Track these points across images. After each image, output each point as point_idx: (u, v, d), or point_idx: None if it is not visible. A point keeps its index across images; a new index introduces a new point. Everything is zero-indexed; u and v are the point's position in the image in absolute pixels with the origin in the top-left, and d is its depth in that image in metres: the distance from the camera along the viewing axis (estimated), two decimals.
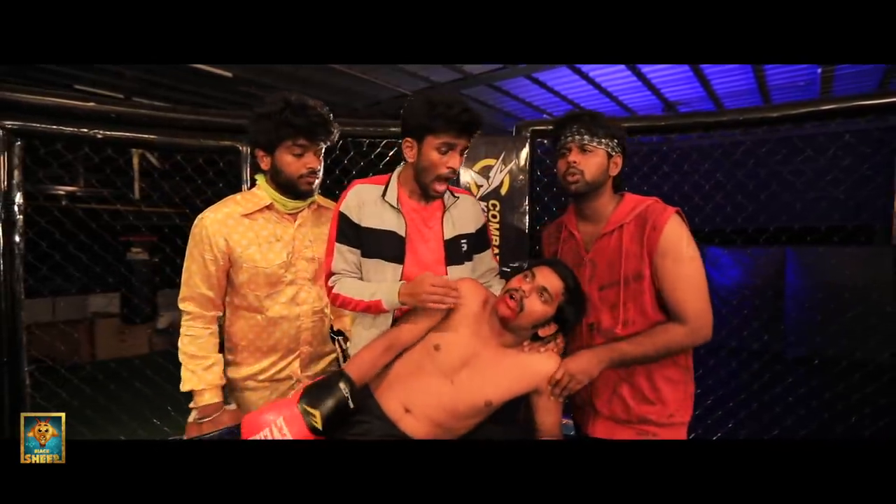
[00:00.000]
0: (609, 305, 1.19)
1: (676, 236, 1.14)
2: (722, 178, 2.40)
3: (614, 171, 1.24)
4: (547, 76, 4.31)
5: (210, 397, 1.21)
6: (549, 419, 1.15)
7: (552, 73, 4.20)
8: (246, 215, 1.25)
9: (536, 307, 1.09)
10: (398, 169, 1.31)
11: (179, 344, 1.23)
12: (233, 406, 1.26)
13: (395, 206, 1.23)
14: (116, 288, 5.41)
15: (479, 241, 1.37)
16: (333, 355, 1.42)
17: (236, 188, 1.92)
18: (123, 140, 1.81)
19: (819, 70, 4.01)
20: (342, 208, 1.24)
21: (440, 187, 1.22)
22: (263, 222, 1.27)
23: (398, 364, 1.18)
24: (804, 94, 4.47)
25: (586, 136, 1.20)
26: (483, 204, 2.08)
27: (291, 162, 1.22)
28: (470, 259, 1.35)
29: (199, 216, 1.24)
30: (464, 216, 1.33)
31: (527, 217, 2.07)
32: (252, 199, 1.28)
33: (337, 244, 1.24)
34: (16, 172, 1.65)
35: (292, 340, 1.29)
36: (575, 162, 1.20)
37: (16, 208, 1.64)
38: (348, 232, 1.24)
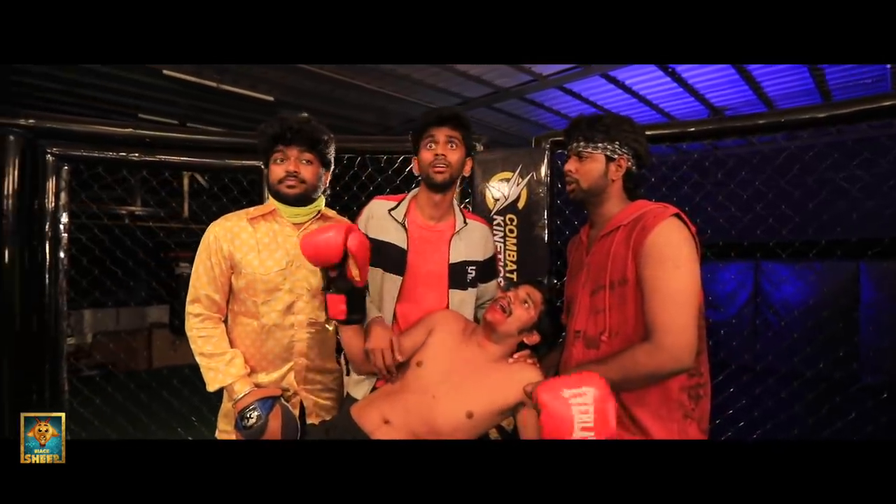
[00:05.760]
0: (595, 311, 1.10)
1: (664, 239, 1.00)
2: (762, 188, 2.18)
3: (616, 175, 1.14)
4: (579, 86, 4.22)
5: (241, 387, 1.21)
6: (538, 435, 1.12)
7: (584, 82, 4.10)
8: (251, 220, 1.30)
9: (522, 312, 1.20)
10: (415, 190, 1.41)
11: (193, 347, 1.24)
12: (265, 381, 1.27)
13: (400, 220, 1.33)
14: (169, 301, 5.80)
15: (486, 270, 1.43)
16: (338, 373, 1.41)
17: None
18: (156, 163, 1.94)
19: (889, 66, 3.64)
20: (357, 222, 1.37)
21: (438, 175, 1.29)
22: (266, 229, 1.30)
23: (382, 383, 1.22)
24: (872, 92, 4.06)
25: (581, 143, 1.16)
26: (500, 218, 2.04)
27: (275, 168, 1.28)
28: (475, 286, 1.39)
29: (210, 224, 1.30)
30: (474, 243, 1.39)
31: (546, 231, 1.99)
32: (260, 207, 1.34)
33: None
34: (62, 195, 1.80)
35: (285, 350, 1.29)
36: (571, 171, 1.18)
37: (61, 227, 1.79)
38: None
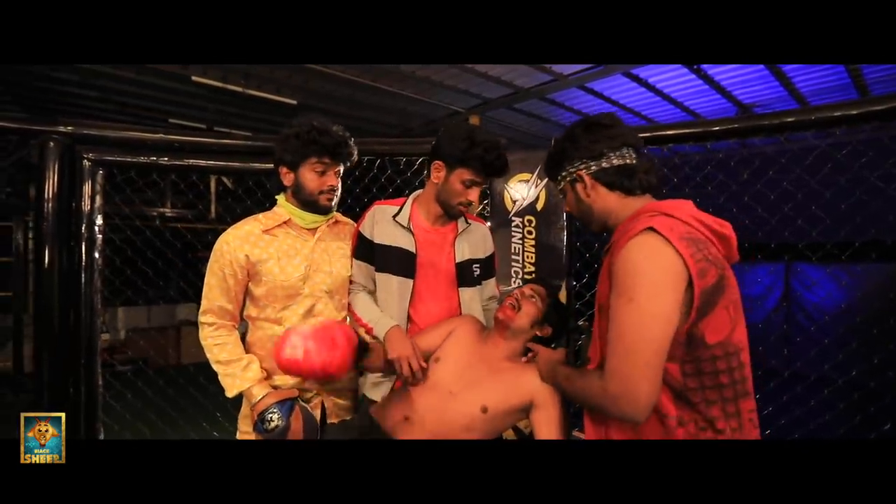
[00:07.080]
0: (592, 337, 1.01)
1: (630, 263, 0.84)
2: (790, 188, 2.11)
3: (588, 191, 1.00)
4: (601, 85, 4.16)
5: (259, 391, 1.24)
6: (550, 436, 1.15)
7: (606, 81, 4.04)
8: (266, 231, 1.31)
9: (530, 307, 1.25)
10: (416, 193, 1.44)
11: (209, 355, 1.28)
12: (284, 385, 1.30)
13: (406, 225, 1.36)
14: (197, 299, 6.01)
15: (487, 267, 1.48)
16: (355, 374, 1.43)
17: None
18: (184, 166, 2.01)
19: None
20: (360, 228, 1.40)
21: (462, 213, 1.37)
22: (283, 237, 1.33)
23: (400, 384, 1.26)
24: None
25: (554, 183, 1.09)
26: (519, 220, 2.03)
27: (313, 179, 1.30)
28: (479, 284, 1.44)
29: (223, 233, 1.31)
30: (476, 243, 1.43)
31: (565, 233, 1.98)
32: (272, 216, 1.35)
33: (354, 259, 1.40)
34: (97, 198, 1.89)
35: None
36: (568, 210, 1.12)
37: (96, 229, 1.88)
38: (363, 249, 1.38)
